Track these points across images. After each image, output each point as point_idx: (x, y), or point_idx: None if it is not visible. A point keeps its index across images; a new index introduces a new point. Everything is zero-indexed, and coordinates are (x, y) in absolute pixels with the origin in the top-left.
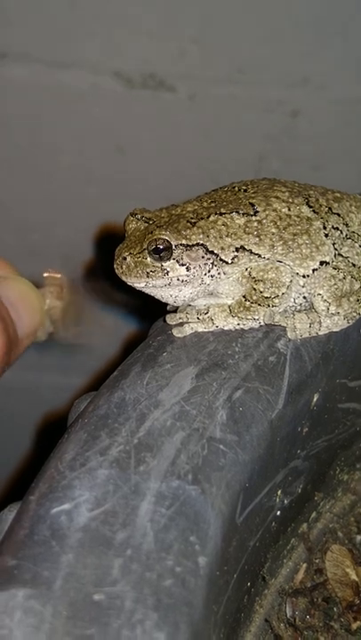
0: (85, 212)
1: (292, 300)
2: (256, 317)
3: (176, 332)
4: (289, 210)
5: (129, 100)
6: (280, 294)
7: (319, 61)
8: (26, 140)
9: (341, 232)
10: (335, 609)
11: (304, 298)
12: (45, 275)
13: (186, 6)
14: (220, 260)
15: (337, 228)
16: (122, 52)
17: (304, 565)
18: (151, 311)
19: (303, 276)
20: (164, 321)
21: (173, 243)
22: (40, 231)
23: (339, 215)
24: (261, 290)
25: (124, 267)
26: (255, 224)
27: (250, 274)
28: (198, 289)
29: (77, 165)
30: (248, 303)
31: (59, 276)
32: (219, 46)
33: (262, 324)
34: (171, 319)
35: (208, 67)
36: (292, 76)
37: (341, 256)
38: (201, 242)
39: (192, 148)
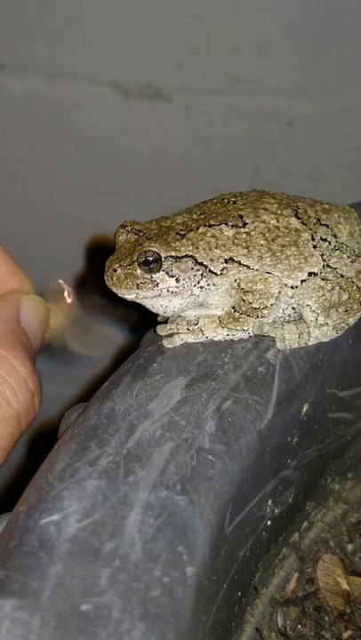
0: (84, 222)
1: (281, 310)
2: (245, 328)
3: (166, 343)
4: (277, 221)
5: (125, 110)
6: (269, 305)
7: (315, 71)
8: (24, 151)
9: (330, 243)
10: (326, 618)
11: (293, 309)
12: (65, 295)
13: (183, 17)
14: (210, 271)
15: (325, 240)
16: (119, 62)
17: (295, 575)
18: (143, 322)
19: (292, 287)
20: (155, 332)
21: (163, 254)
22: (39, 241)
23: (327, 226)
24: (250, 301)
25: (114, 278)
26: (244, 236)
27: (239, 285)
28: (188, 300)
29: (75, 174)
30: (237, 314)
31: (69, 298)
32: (215, 57)
33: (252, 334)
34: (161, 330)
35: (205, 77)
36: (288, 85)
37: (330, 267)
38: (190, 253)
39: (189, 157)
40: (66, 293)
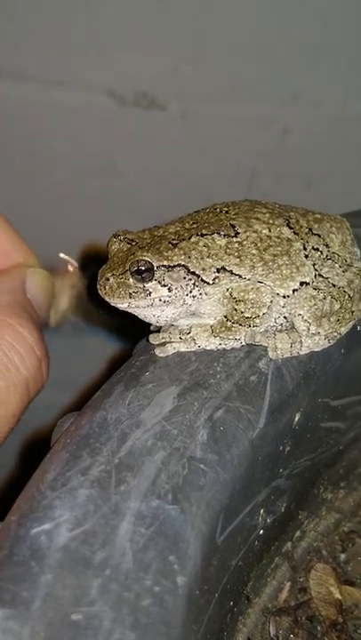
0: (77, 230)
1: (273, 320)
2: (237, 337)
3: (159, 352)
4: (269, 231)
5: (121, 118)
6: (261, 314)
7: (310, 79)
8: (18, 158)
9: (322, 253)
10: (319, 628)
11: (285, 318)
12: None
13: (179, 25)
14: (202, 280)
15: (317, 249)
16: (115, 70)
17: (288, 584)
18: (135, 331)
19: (284, 297)
20: (148, 341)
21: (155, 264)
22: (32, 248)
23: (319, 236)
24: (242, 310)
25: (107, 287)
26: (236, 245)
27: (231, 294)
28: (180, 309)
29: (70, 182)
30: (229, 323)
31: (73, 269)
32: (211, 65)
33: (244, 343)
34: (154, 339)
35: (200, 85)
36: (283, 93)
37: (322, 277)
38: (182, 263)
39: (184, 165)
40: (69, 267)
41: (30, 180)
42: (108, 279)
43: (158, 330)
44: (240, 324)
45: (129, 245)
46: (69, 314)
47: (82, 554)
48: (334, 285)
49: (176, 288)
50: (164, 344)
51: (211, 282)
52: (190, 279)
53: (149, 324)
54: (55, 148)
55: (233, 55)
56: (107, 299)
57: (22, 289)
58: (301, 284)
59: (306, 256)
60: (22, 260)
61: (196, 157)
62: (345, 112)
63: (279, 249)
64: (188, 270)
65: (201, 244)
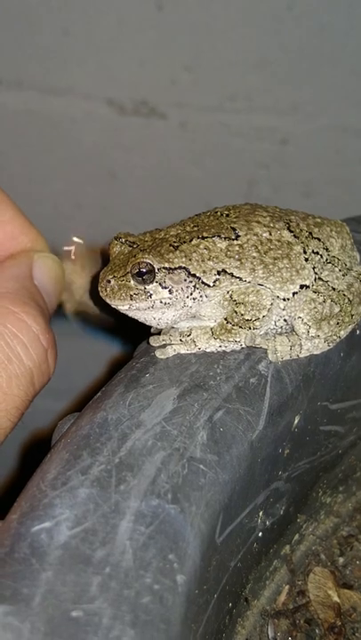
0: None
1: (273, 322)
2: (238, 340)
3: (159, 354)
4: (270, 234)
5: (121, 127)
6: (261, 317)
7: (308, 90)
8: (18, 167)
9: (322, 256)
10: (317, 630)
11: (285, 321)
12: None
13: (178, 35)
14: (202, 283)
15: (317, 253)
16: (114, 79)
17: (287, 587)
18: (137, 333)
19: (284, 300)
20: (148, 343)
21: (156, 266)
22: None
23: (319, 240)
24: (243, 312)
25: (108, 289)
26: (237, 248)
27: (231, 297)
28: (181, 311)
29: (69, 191)
30: (230, 326)
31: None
32: (210, 74)
33: (244, 346)
34: (154, 341)
35: (199, 94)
36: (281, 104)
37: (321, 280)
38: (183, 265)
39: (183, 174)
40: (80, 251)
41: (30, 188)
42: (109, 281)
43: (159, 332)
44: (240, 327)
45: (130, 248)
46: (85, 298)
47: (82, 552)
48: (334, 289)
49: (177, 290)
50: (164, 346)
51: (211, 284)
52: (191, 281)
53: (150, 327)
54: (55, 157)
55: (232, 65)
56: (108, 300)
57: (29, 275)
58: (301, 287)
59: (306, 259)
60: (30, 245)
61: (195, 166)
62: (343, 122)
63: (280, 252)
64: (189, 272)
65: (202, 246)
